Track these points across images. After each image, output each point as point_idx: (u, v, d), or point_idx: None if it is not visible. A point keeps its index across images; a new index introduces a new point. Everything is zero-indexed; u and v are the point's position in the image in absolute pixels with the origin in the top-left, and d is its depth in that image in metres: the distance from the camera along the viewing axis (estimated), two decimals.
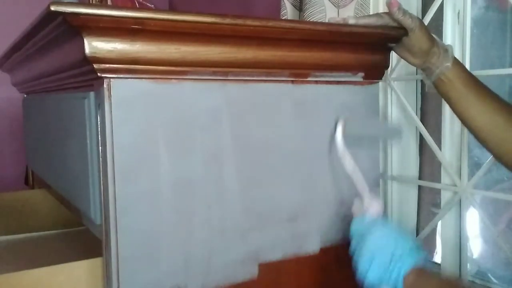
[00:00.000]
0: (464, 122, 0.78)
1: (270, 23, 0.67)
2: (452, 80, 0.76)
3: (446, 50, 0.77)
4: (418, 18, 0.76)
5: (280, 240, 0.76)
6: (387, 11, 0.76)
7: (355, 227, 0.73)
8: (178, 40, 0.64)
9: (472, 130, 0.77)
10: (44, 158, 1.04)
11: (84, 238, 0.94)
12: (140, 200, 0.64)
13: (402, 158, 1.25)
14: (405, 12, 0.75)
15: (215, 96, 0.69)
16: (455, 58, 0.77)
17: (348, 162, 0.75)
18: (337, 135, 0.76)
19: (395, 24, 0.76)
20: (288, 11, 1.23)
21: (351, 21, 0.76)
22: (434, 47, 0.76)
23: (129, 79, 0.63)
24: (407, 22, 0.75)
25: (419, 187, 1.27)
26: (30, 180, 1.50)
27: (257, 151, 0.73)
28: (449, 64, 0.76)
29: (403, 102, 1.19)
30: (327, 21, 0.80)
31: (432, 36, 0.77)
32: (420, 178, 1.27)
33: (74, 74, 0.70)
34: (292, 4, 1.23)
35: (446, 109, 1.12)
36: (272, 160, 0.74)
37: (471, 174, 1.07)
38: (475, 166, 1.12)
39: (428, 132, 1.14)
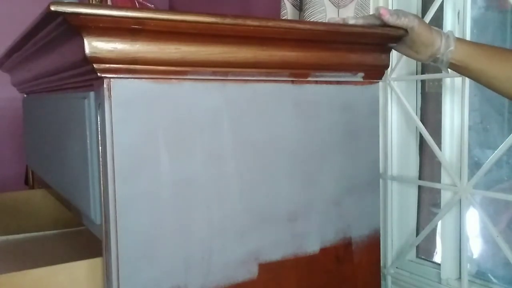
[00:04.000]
0: (496, 93, 0.78)
1: (270, 23, 0.67)
2: (462, 60, 0.76)
3: (448, 36, 0.77)
4: (415, 15, 0.76)
5: (280, 240, 0.76)
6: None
7: None
8: (178, 40, 0.64)
9: (508, 99, 0.77)
10: (44, 158, 1.04)
11: (84, 238, 0.94)
12: (140, 200, 0.64)
13: (402, 158, 1.25)
14: (398, 15, 0.75)
15: (215, 96, 0.69)
16: (458, 40, 0.77)
17: None
18: None
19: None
20: (288, 11, 1.23)
21: (351, 21, 0.76)
22: (436, 39, 0.76)
23: (129, 79, 0.63)
24: (404, 23, 0.75)
25: (419, 187, 1.27)
26: (30, 180, 1.50)
27: (257, 151, 0.73)
28: (452, 48, 0.76)
29: (403, 102, 1.19)
30: (327, 21, 0.80)
31: (432, 28, 0.77)
32: (420, 178, 1.27)
33: (74, 74, 0.70)
34: (292, 4, 1.23)
35: (446, 109, 1.12)
36: (272, 160, 0.74)
37: (471, 174, 1.07)
38: (475, 166, 1.12)
39: (428, 132, 1.14)
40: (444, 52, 0.76)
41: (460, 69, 0.78)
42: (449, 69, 0.79)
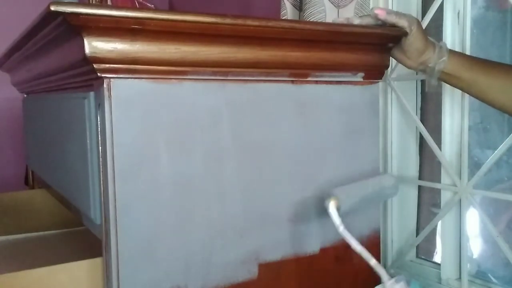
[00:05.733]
0: (488, 104, 0.78)
1: (270, 23, 0.67)
2: (455, 70, 0.76)
3: (441, 47, 0.77)
4: (414, 17, 0.76)
5: (280, 240, 0.76)
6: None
7: None
8: (178, 40, 0.64)
9: (498, 109, 0.77)
10: (44, 158, 1.04)
11: (84, 238, 0.94)
12: (140, 200, 0.64)
13: (402, 158, 1.25)
14: (398, 14, 0.75)
15: (215, 96, 0.69)
16: (451, 51, 0.77)
17: (354, 243, 0.68)
18: (333, 218, 0.68)
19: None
20: (288, 11, 1.23)
21: (356, 21, 0.77)
22: (429, 46, 0.77)
23: (129, 79, 0.63)
24: (404, 22, 0.75)
25: (419, 187, 1.27)
26: (30, 180, 1.50)
27: (257, 151, 0.73)
28: (445, 58, 0.76)
29: (403, 102, 1.19)
30: (332, 21, 0.80)
31: (428, 37, 0.78)
32: (420, 178, 1.27)
33: (74, 74, 0.70)
34: (292, 4, 1.23)
35: (446, 109, 1.12)
36: (272, 160, 0.74)
37: (471, 174, 1.07)
38: (475, 166, 1.12)
39: (428, 132, 1.14)
40: (436, 62, 0.76)
41: (452, 79, 0.78)
42: (436, 81, 0.79)
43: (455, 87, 0.80)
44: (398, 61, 0.82)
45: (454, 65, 0.76)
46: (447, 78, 0.78)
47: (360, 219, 0.84)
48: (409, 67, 0.81)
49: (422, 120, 1.22)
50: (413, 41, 0.76)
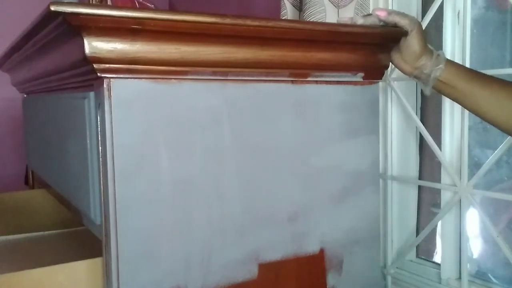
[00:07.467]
0: (480, 117, 0.77)
1: (270, 23, 0.67)
2: (451, 79, 0.76)
3: (438, 55, 0.77)
4: (417, 20, 0.76)
5: (280, 240, 0.76)
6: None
7: None
8: (178, 40, 0.64)
9: (490, 123, 0.76)
10: (44, 158, 1.04)
11: (84, 238, 0.94)
12: (140, 200, 0.64)
13: (402, 158, 1.25)
14: (399, 14, 0.75)
15: (215, 96, 0.69)
16: (448, 60, 0.77)
17: None
18: None
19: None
20: (288, 11, 1.23)
21: (360, 21, 0.76)
22: (427, 52, 0.76)
23: (129, 79, 0.63)
24: (405, 21, 0.75)
25: (419, 187, 1.27)
26: (30, 180, 1.50)
27: (257, 151, 0.73)
28: (442, 65, 0.75)
29: (403, 102, 1.19)
30: (336, 21, 0.80)
31: (427, 43, 0.77)
32: (420, 178, 1.27)
33: (74, 74, 0.71)
34: (292, 4, 1.23)
35: (446, 109, 1.12)
36: (272, 160, 0.74)
37: (471, 174, 1.07)
38: (475, 166, 1.12)
39: (428, 132, 1.14)
40: (432, 69, 0.76)
41: (447, 89, 0.77)
42: (431, 89, 0.79)
43: (449, 97, 0.79)
44: (395, 64, 0.81)
45: (450, 74, 0.76)
46: (442, 87, 0.77)
47: (360, 219, 0.84)
48: (404, 72, 0.80)
49: (422, 120, 1.22)
50: (411, 42, 0.76)
